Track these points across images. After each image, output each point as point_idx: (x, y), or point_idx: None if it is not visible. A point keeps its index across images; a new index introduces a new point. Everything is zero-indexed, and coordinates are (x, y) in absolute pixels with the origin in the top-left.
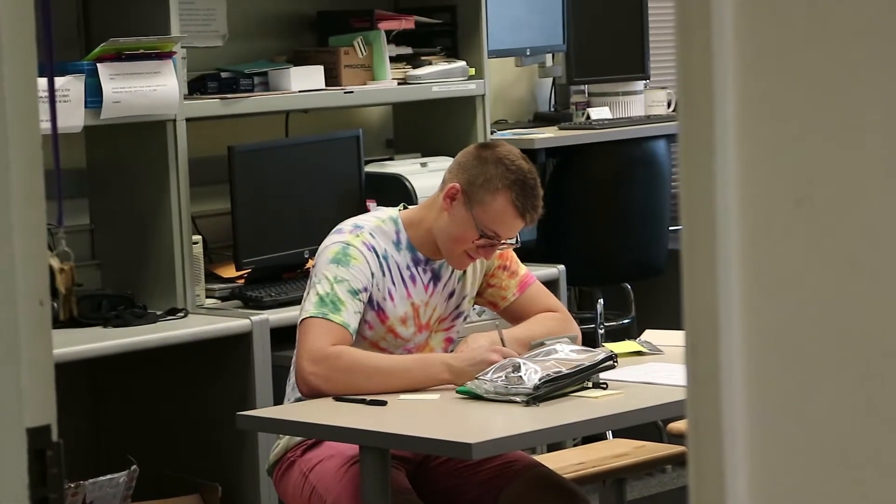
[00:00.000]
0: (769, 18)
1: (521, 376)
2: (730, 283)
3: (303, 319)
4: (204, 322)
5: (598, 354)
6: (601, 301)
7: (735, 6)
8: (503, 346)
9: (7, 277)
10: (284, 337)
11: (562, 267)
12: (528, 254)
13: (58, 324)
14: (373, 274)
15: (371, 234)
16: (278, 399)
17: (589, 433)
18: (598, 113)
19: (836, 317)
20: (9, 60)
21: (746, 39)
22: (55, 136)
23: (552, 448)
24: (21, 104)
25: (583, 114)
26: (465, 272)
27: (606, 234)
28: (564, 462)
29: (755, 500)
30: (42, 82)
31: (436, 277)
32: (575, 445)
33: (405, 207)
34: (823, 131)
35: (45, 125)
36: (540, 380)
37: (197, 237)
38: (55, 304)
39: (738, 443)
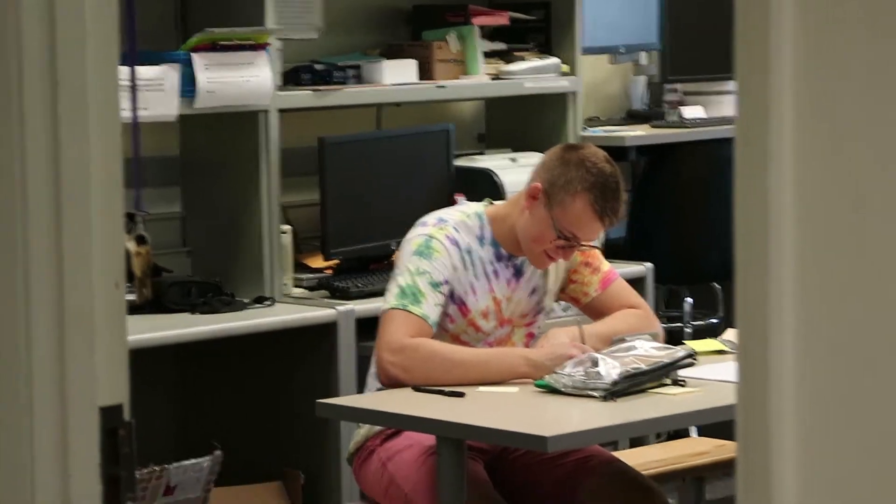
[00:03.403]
0: (826, 22)
1: (599, 371)
2: (782, 287)
3: (384, 311)
4: (291, 311)
5: (678, 352)
6: (689, 300)
7: (794, 10)
8: (583, 341)
9: (84, 260)
10: (370, 327)
11: (650, 265)
12: (616, 251)
13: (146, 309)
14: (455, 267)
15: (455, 227)
16: (362, 388)
17: (664, 429)
18: (692, 112)
19: (889, 322)
20: (92, 48)
21: (803, 43)
22: (135, 124)
23: (634, 444)
24: (102, 92)
25: (675, 112)
26: (547, 268)
27: (696, 233)
28: (645, 458)
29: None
30: (139, 72)
31: (518, 273)
32: (659, 442)
33: (491, 203)
34: (880, 136)
35: (132, 113)
36: (618, 375)
37: (286, 227)
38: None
39: (786, 444)
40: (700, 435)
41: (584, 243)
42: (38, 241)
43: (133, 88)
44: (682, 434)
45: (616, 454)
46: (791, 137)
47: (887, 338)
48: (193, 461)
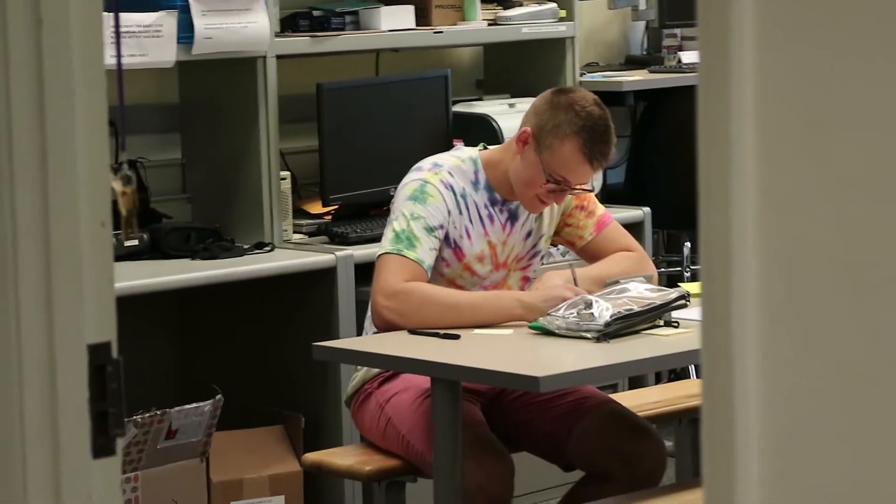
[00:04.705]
0: None
1: (592, 313)
2: (744, 206)
3: (379, 255)
4: (290, 256)
5: (671, 293)
6: (688, 244)
7: None
8: (576, 284)
9: (70, 200)
10: (369, 272)
11: (647, 209)
12: (614, 196)
13: (146, 255)
14: (449, 212)
15: (450, 172)
16: (361, 333)
17: (655, 370)
18: (690, 57)
19: (845, 237)
20: None
21: None
22: (119, 70)
23: (633, 386)
24: (85, 36)
25: (674, 57)
26: (542, 212)
27: (693, 177)
28: (642, 400)
29: (765, 423)
30: (131, 18)
31: (513, 217)
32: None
33: (485, 147)
34: (836, 54)
35: (130, 60)
36: (611, 317)
37: (285, 173)
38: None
39: (749, 366)
40: (699, 378)
41: (576, 187)
42: (24, 182)
43: (117, 34)
44: (683, 376)
45: (614, 396)
46: (751, 60)
47: (847, 253)
48: (195, 405)
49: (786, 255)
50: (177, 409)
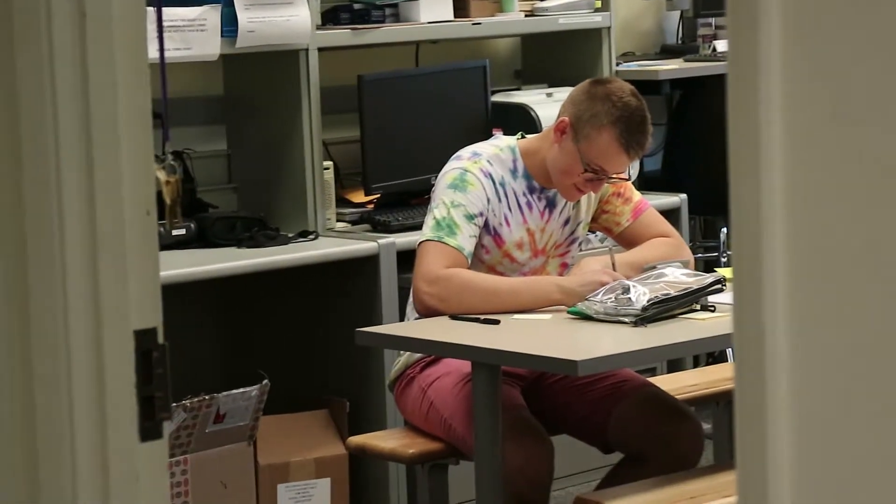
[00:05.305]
0: None
1: (630, 298)
2: (773, 194)
3: (420, 242)
4: (333, 244)
5: (707, 278)
6: (724, 230)
7: None
8: (614, 269)
9: (115, 189)
10: (411, 259)
11: (683, 196)
12: (651, 183)
13: (193, 244)
14: (489, 200)
15: (489, 161)
16: (403, 318)
17: (692, 353)
18: (725, 45)
19: (873, 221)
20: None
21: None
22: (162, 63)
23: (672, 369)
24: (128, 30)
25: (709, 46)
26: (579, 200)
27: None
28: (680, 383)
29: (795, 399)
30: (176, 12)
31: (551, 205)
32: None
33: (523, 136)
34: (863, 42)
35: (175, 53)
36: (648, 301)
37: (328, 163)
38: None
39: (780, 346)
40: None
41: (612, 176)
42: (69, 172)
43: (159, 28)
44: (720, 360)
45: (652, 379)
46: (779, 47)
47: (874, 236)
48: (242, 390)
49: (815, 240)
50: (224, 393)
